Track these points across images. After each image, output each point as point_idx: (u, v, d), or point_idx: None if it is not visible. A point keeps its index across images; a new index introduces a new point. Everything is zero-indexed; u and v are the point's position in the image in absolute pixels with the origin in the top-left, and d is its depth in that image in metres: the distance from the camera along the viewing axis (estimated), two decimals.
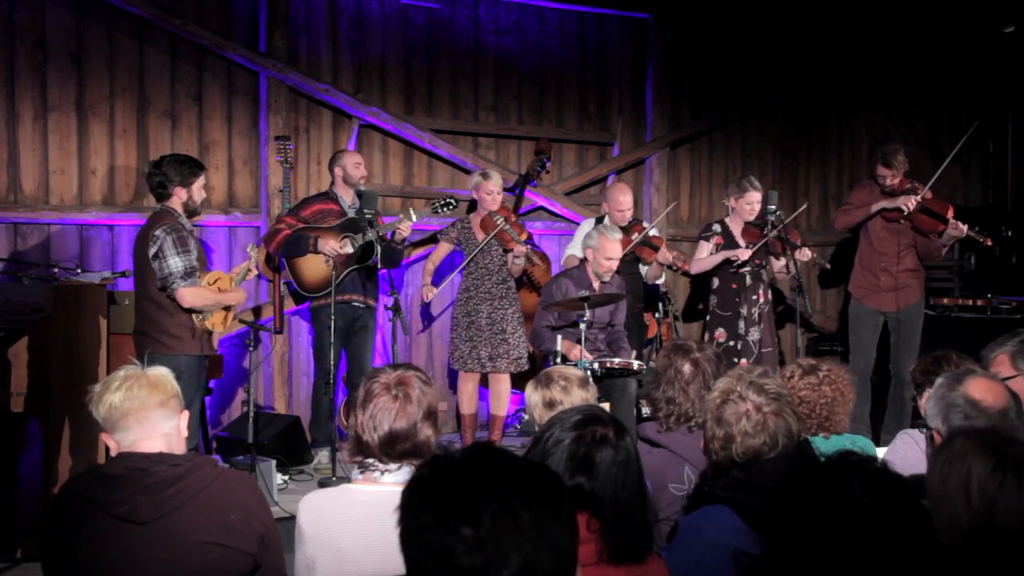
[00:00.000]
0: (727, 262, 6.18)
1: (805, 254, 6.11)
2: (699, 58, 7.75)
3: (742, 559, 1.40)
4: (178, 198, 4.79)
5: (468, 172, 6.72)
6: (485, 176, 6.13)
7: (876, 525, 1.41)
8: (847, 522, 1.42)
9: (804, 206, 6.81)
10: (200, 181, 4.88)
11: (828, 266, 6.63)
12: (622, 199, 6.30)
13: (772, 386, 2.47)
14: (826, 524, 1.42)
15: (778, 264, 6.30)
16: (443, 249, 6.25)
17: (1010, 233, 7.60)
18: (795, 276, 5.99)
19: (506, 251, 6.07)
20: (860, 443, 3.32)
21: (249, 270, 5.07)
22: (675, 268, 6.48)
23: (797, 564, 1.40)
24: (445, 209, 5.95)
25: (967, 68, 8.45)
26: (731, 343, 6.16)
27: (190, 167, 4.85)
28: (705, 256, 6.26)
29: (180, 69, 6.25)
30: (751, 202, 6.19)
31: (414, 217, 5.81)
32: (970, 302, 7.05)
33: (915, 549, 1.42)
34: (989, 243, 6.29)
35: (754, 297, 6.21)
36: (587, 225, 6.54)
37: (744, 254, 6.11)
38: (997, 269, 7.58)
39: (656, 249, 6.26)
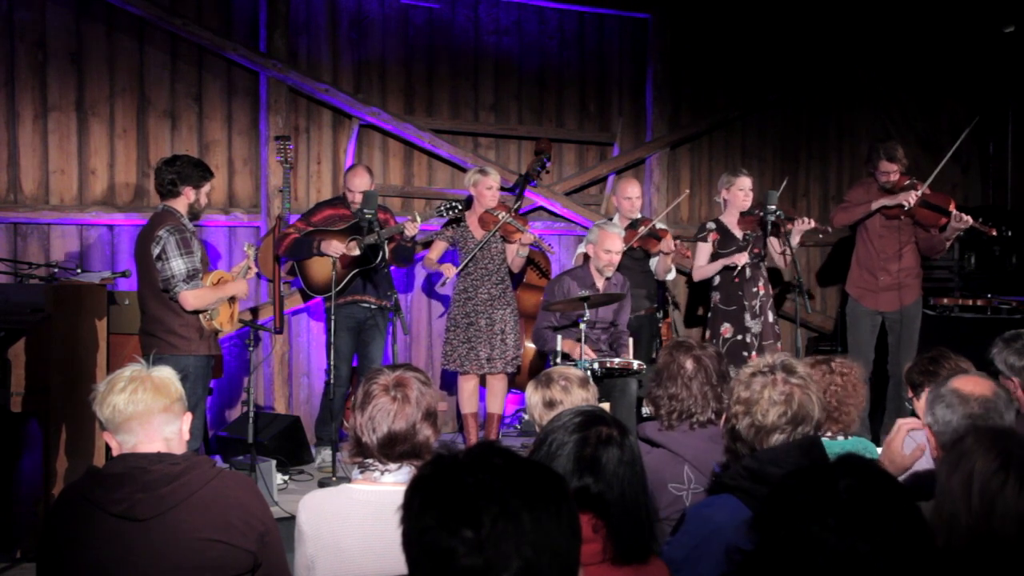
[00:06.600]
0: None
1: (806, 223, 6.14)
2: (699, 58, 7.75)
3: (734, 554, 1.40)
4: (186, 198, 4.84)
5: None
6: (483, 172, 6.13)
7: (852, 523, 1.40)
8: (822, 517, 1.40)
9: (784, 182, 6.80)
10: (208, 187, 4.97)
11: (829, 229, 6.62)
12: (629, 189, 6.46)
13: (801, 370, 2.50)
14: (804, 519, 1.41)
15: (777, 247, 6.30)
16: (439, 247, 6.25)
17: (1010, 233, 7.59)
18: (796, 277, 6.00)
19: (509, 243, 6.06)
20: (861, 445, 3.32)
21: (249, 268, 5.09)
22: (674, 255, 6.42)
23: (781, 561, 1.39)
24: (450, 213, 5.95)
25: (967, 68, 8.44)
26: (739, 337, 6.17)
27: (202, 170, 4.93)
28: (704, 263, 6.32)
29: (180, 69, 6.26)
30: (743, 188, 6.26)
31: (419, 220, 5.85)
32: (970, 302, 7.04)
33: (890, 551, 1.40)
34: (994, 233, 6.27)
35: (754, 289, 6.22)
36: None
37: (742, 259, 6.12)
38: (997, 269, 7.57)
39: (660, 239, 6.28)
